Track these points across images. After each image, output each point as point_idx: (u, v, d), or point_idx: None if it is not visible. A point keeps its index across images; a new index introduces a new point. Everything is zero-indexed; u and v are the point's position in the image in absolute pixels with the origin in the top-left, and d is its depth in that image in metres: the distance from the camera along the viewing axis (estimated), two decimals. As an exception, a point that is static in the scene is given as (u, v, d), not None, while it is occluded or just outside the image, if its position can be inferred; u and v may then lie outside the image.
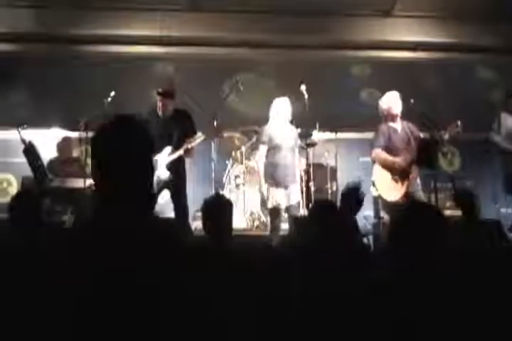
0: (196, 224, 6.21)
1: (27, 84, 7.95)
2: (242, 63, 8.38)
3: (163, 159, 5.44)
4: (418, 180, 5.45)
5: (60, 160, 6.72)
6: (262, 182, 5.85)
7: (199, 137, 5.49)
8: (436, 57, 8.69)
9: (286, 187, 5.72)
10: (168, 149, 5.45)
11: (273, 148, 5.78)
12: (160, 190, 5.44)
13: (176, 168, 5.45)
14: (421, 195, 5.44)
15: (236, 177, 7.17)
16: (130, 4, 7.88)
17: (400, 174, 5.37)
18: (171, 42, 8.27)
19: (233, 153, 7.31)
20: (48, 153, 6.67)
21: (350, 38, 8.43)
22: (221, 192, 6.81)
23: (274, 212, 5.75)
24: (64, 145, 6.91)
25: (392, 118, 5.59)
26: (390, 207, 5.45)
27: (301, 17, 8.03)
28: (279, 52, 8.36)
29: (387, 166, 5.46)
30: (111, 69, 7.69)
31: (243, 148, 7.19)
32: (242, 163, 7.15)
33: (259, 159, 5.96)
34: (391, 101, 5.56)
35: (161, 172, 5.44)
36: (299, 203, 5.84)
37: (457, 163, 8.49)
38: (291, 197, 5.75)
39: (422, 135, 5.54)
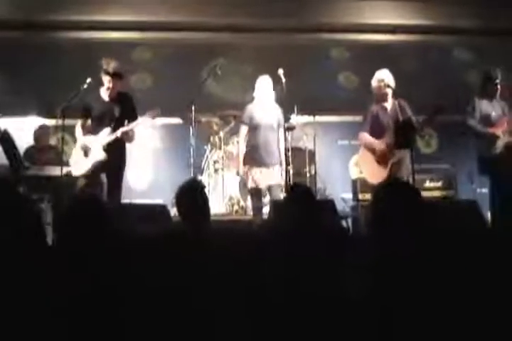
0: (175, 210, 6.18)
1: (2, 71, 7.83)
2: (220, 47, 8.32)
3: (100, 140, 5.27)
4: (407, 162, 5.40)
5: (37, 148, 6.64)
6: (241, 163, 5.81)
7: (135, 122, 5.30)
8: (414, 39, 8.71)
9: (267, 166, 5.69)
10: (106, 130, 5.25)
11: (254, 128, 5.75)
12: (96, 171, 5.29)
13: (114, 150, 5.29)
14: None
15: (215, 162, 7.14)
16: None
17: (382, 156, 5.35)
18: (148, 27, 8.19)
19: (211, 138, 7.27)
20: (24, 141, 6.59)
21: (328, 20, 8.41)
22: (200, 177, 6.79)
23: (255, 193, 5.74)
24: (41, 133, 6.82)
25: (383, 97, 5.52)
26: (373, 189, 5.42)
27: (279, 1, 7.98)
28: (256, 36, 8.31)
29: (369, 148, 5.44)
30: (88, 55, 7.58)
31: (221, 133, 7.16)
32: (220, 148, 7.11)
33: (240, 139, 5.94)
34: (381, 78, 5.50)
35: (97, 153, 5.25)
36: (280, 185, 5.76)
37: (434, 145, 8.54)
38: (273, 177, 5.70)
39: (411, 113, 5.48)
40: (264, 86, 5.81)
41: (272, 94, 5.82)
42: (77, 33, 8.18)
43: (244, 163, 5.80)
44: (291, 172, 6.05)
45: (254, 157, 5.72)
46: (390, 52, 8.28)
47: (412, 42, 8.69)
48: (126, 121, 5.27)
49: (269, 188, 5.74)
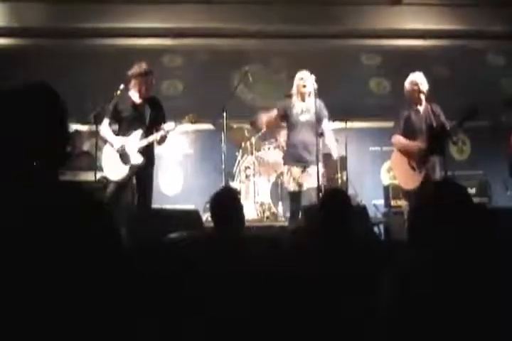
0: (207, 216, 6.20)
1: (35, 78, 7.93)
2: (251, 54, 8.34)
3: (134, 143, 5.26)
4: (437, 169, 5.33)
5: (71, 154, 6.72)
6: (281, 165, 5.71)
7: (171, 126, 5.28)
8: (446, 44, 8.62)
9: (303, 167, 5.48)
10: (138, 133, 5.24)
11: (291, 125, 5.62)
12: (131, 176, 5.30)
13: (147, 153, 5.30)
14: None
15: (246, 168, 7.15)
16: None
17: (417, 161, 5.28)
18: (179, 33, 8.25)
19: (243, 144, 7.28)
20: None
21: (359, 26, 8.37)
22: (231, 184, 6.80)
23: (294, 196, 5.55)
24: (74, 138, 6.90)
25: (416, 100, 5.45)
26: (409, 195, 5.34)
27: (309, 6, 7.98)
28: (287, 42, 8.32)
29: (405, 151, 5.36)
30: (119, 62, 7.65)
31: (253, 139, 7.16)
32: (251, 154, 7.12)
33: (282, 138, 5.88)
34: (415, 81, 5.43)
35: (134, 157, 5.22)
36: (314, 188, 5.44)
37: (467, 151, 8.42)
38: (312, 179, 5.38)
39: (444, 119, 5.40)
40: (299, 82, 5.59)
41: (307, 89, 5.56)
42: (108, 40, 8.28)
43: (284, 163, 5.68)
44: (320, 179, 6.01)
45: (294, 156, 5.55)
46: (421, 58, 8.20)
47: (443, 47, 8.61)
48: (160, 124, 5.27)
49: (306, 191, 5.49)
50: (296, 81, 5.61)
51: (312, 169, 5.41)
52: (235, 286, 2.52)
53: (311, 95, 5.56)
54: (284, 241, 3.47)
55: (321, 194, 5.17)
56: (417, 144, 5.28)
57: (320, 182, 5.36)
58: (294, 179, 5.49)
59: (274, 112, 5.72)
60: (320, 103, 5.61)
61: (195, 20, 8.09)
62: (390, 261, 2.66)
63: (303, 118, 5.52)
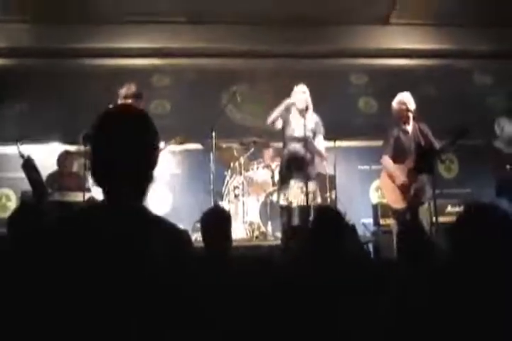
0: (196, 236, 6.24)
1: (25, 98, 8.00)
2: (239, 74, 8.44)
3: None
4: (426, 188, 5.40)
5: (60, 174, 6.75)
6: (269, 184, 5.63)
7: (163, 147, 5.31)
8: (434, 63, 8.74)
9: (299, 181, 5.40)
10: None
11: (287, 140, 5.56)
12: None
13: None
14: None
15: (235, 188, 7.20)
16: (127, 17, 7.93)
17: (406, 180, 5.37)
18: (167, 53, 8.33)
19: (231, 164, 7.34)
20: (47, 167, 6.69)
21: (347, 46, 8.49)
22: (220, 203, 6.84)
23: (283, 211, 5.52)
24: (64, 159, 6.94)
25: (404, 119, 5.55)
26: (398, 214, 5.41)
27: (297, 27, 8.08)
28: (276, 62, 8.42)
29: (390, 176, 5.47)
30: (109, 82, 7.72)
31: (242, 159, 7.22)
32: (240, 173, 7.18)
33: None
34: (403, 100, 5.53)
35: None
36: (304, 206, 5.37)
37: (455, 169, 8.53)
38: (302, 197, 5.35)
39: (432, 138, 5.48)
40: (294, 97, 5.54)
41: (302, 105, 5.48)
42: (96, 60, 8.33)
43: (279, 178, 5.69)
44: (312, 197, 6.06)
45: (285, 170, 5.54)
46: (409, 77, 8.33)
47: (430, 66, 8.74)
48: None
49: (300, 209, 5.42)
50: (298, 94, 5.54)
51: (309, 186, 5.38)
52: (225, 305, 2.56)
53: (308, 111, 5.54)
54: (274, 259, 3.52)
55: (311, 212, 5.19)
56: (400, 176, 5.35)
57: (311, 201, 5.38)
58: (284, 195, 5.46)
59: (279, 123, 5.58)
60: (317, 118, 5.62)
61: (183, 40, 8.18)
62: (381, 279, 2.73)
63: (299, 133, 5.47)
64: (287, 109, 5.54)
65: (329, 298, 2.64)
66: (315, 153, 5.57)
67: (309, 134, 5.47)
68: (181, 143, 5.52)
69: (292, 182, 5.46)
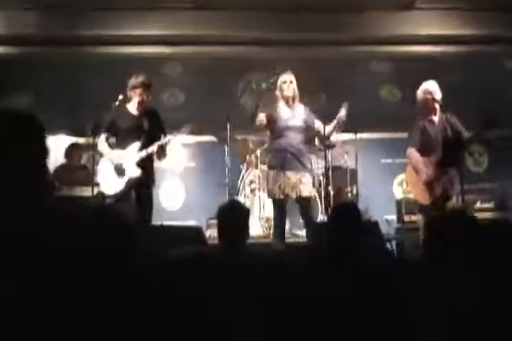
0: (210, 232, 6.21)
1: (31, 88, 8.01)
2: (255, 62, 8.38)
3: (132, 155, 5.25)
4: (455, 181, 5.32)
5: (68, 168, 6.75)
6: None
7: (170, 137, 5.30)
8: (458, 50, 8.62)
9: (292, 171, 5.31)
10: (136, 145, 5.26)
11: (278, 131, 5.45)
12: (128, 190, 5.25)
13: (146, 167, 5.32)
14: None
15: (251, 182, 7.15)
16: (135, 2, 7.89)
17: (434, 174, 5.28)
18: (178, 41, 8.29)
19: (247, 157, 7.29)
20: (53, 159, 6.68)
21: (369, 33, 8.38)
22: (236, 198, 6.81)
23: (276, 203, 5.44)
24: (72, 151, 6.93)
25: (430, 109, 5.46)
26: (425, 210, 5.31)
27: (316, 13, 8.00)
28: (294, 49, 8.35)
29: (415, 169, 5.38)
30: (117, 71, 7.71)
31: (258, 152, 7.16)
32: (257, 167, 7.12)
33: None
34: (428, 90, 5.45)
35: (131, 170, 5.23)
36: (310, 199, 5.43)
37: (485, 163, 8.42)
38: (302, 187, 5.30)
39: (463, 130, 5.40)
40: (281, 85, 5.50)
41: (289, 93, 5.48)
42: (106, 48, 8.30)
43: (270, 168, 5.52)
44: (331, 193, 6.01)
45: (282, 161, 5.37)
46: (435, 64, 8.22)
47: (457, 53, 8.62)
48: (159, 136, 5.30)
49: (299, 202, 5.42)
50: (280, 84, 5.52)
51: (305, 177, 5.36)
52: (241, 305, 2.54)
53: (296, 100, 5.51)
54: (289, 259, 3.47)
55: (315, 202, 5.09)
56: (427, 171, 5.27)
57: (313, 192, 5.32)
58: (279, 186, 5.32)
59: (263, 118, 5.52)
60: (307, 109, 5.58)
61: (195, 26, 8.13)
62: (405, 279, 2.68)
63: (291, 123, 5.42)
64: (273, 101, 5.49)
65: (343, 303, 2.59)
66: (329, 149, 5.53)
67: (302, 124, 5.45)
68: (192, 132, 5.48)
69: (289, 173, 5.34)
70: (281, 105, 5.49)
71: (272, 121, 5.46)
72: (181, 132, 5.35)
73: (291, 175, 5.32)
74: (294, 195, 5.32)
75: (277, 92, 5.52)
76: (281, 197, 5.34)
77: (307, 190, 5.33)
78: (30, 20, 7.94)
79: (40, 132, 1.70)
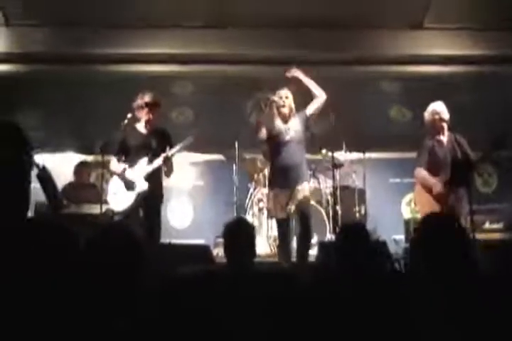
0: (218, 251, 6.26)
1: (40, 106, 8.10)
2: (265, 81, 8.44)
3: (140, 171, 5.35)
4: (463, 202, 5.37)
5: (76, 185, 6.83)
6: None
7: (175, 149, 5.37)
8: (470, 70, 8.67)
9: (290, 191, 5.30)
10: (144, 161, 5.36)
11: (275, 146, 5.45)
12: (136, 207, 5.33)
13: (154, 182, 5.39)
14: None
15: (259, 201, 7.21)
16: (145, 21, 8.00)
17: (440, 194, 5.34)
18: (189, 59, 8.38)
19: (255, 176, 7.35)
20: (62, 177, 6.76)
21: (378, 52, 8.44)
22: (242, 216, 6.86)
23: (280, 223, 5.39)
24: (81, 169, 7.02)
25: (439, 130, 5.54)
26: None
27: (325, 31, 8.07)
28: (302, 69, 8.41)
29: (426, 186, 5.44)
30: (127, 89, 7.79)
31: (266, 171, 7.22)
32: (265, 186, 7.18)
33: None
34: (435, 110, 5.52)
35: (140, 184, 5.32)
36: (307, 201, 5.39)
37: (494, 183, 8.44)
38: (298, 195, 5.28)
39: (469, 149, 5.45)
40: (277, 98, 5.54)
41: (289, 109, 5.52)
42: (115, 66, 8.39)
43: (271, 189, 5.51)
44: (339, 212, 6.04)
45: (281, 181, 5.35)
46: (443, 84, 8.27)
47: (465, 72, 8.66)
48: (161, 152, 5.38)
49: (298, 209, 5.32)
50: (277, 100, 5.52)
51: (301, 185, 5.31)
52: (248, 323, 2.57)
53: (292, 115, 5.52)
54: (298, 277, 3.52)
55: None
56: (437, 183, 5.33)
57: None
58: (281, 206, 5.31)
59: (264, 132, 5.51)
60: (301, 115, 5.54)
61: (205, 45, 8.21)
62: (412, 300, 2.72)
63: (288, 137, 5.42)
64: (270, 118, 5.50)
65: (352, 324, 2.63)
66: (337, 168, 5.50)
67: (299, 135, 5.44)
68: (199, 150, 5.53)
69: (285, 191, 5.32)
70: (278, 121, 5.50)
71: (270, 138, 5.46)
72: (184, 143, 5.42)
73: (290, 193, 5.30)
74: (293, 208, 5.28)
75: (273, 109, 5.50)
76: (283, 216, 5.33)
77: (302, 194, 5.28)
78: (39, 37, 8.04)
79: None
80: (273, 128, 5.45)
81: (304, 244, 5.29)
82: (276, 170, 5.42)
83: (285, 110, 5.50)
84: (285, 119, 5.50)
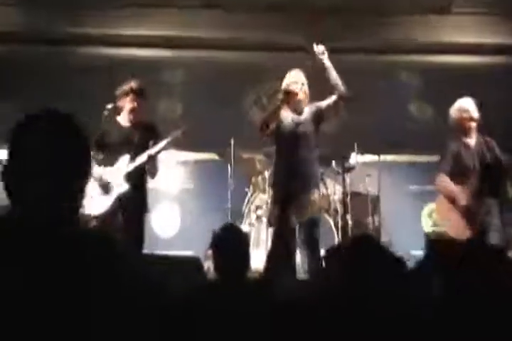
0: (209, 264, 6.22)
1: (16, 93, 8.05)
2: (266, 70, 8.43)
3: (120, 169, 5.29)
4: (494, 213, 5.32)
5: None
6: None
7: (161, 145, 5.30)
8: (502, 61, 8.65)
9: (298, 195, 5.19)
10: (125, 158, 5.29)
11: (281, 142, 5.37)
12: (115, 211, 5.22)
13: (137, 184, 5.34)
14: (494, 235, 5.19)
15: (257, 207, 7.16)
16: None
17: (470, 204, 5.30)
18: (180, 44, 8.35)
19: (253, 179, 7.31)
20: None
21: (396, 39, 8.44)
22: (233, 223, 6.82)
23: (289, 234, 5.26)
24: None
25: (466, 131, 5.48)
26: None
27: (338, 16, 8.06)
28: (310, 57, 8.39)
29: (449, 197, 5.38)
30: (110, 75, 7.75)
31: (266, 173, 7.17)
32: (264, 191, 7.13)
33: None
34: (464, 108, 5.47)
35: (119, 185, 5.26)
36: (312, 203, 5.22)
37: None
38: (306, 203, 5.16)
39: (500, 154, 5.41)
40: (286, 87, 5.30)
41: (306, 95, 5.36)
42: (95, 48, 8.40)
43: (272, 191, 5.50)
44: (349, 223, 6.00)
45: (279, 184, 5.33)
46: (473, 77, 8.25)
47: (500, 64, 8.65)
48: (146, 147, 5.31)
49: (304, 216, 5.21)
50: (290, 83, 5.31)
51: (312, 192, 5.21)
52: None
53: (305, 105, 5.34)
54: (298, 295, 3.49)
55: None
56: (463, 196, 5.26)
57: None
58: (285, 215, 5.21)
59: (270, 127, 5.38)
60: (312, 108, 5.36)
61: (201, 28, 8.18)
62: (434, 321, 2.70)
63: (300, 130, 5.27)
64: (277, 110, 5.31)
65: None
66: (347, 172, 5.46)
67: (309, 129, 5.29)
68: (189, 147, 5.48)
69: (304, 195, 5.20)
70: (287, 112, 5.35)
71: (278, 133, 5.35)
72: (172, 136, 5.36)
73: (295, 201, 5.20)
74: (299, 217, 5.19)
75: (283, 95, 5.27)
76: (287, 226, 5.25)
77: (311, 202, 5.17)
78: (19, 16, 8.04)
79: None
80: (281, 121, 5.30)
81: (311, 260, 5.20)
82: (282, 170, 5.32)
83: (299, 97, 5.29)
84: (298, 110, 5.32)
